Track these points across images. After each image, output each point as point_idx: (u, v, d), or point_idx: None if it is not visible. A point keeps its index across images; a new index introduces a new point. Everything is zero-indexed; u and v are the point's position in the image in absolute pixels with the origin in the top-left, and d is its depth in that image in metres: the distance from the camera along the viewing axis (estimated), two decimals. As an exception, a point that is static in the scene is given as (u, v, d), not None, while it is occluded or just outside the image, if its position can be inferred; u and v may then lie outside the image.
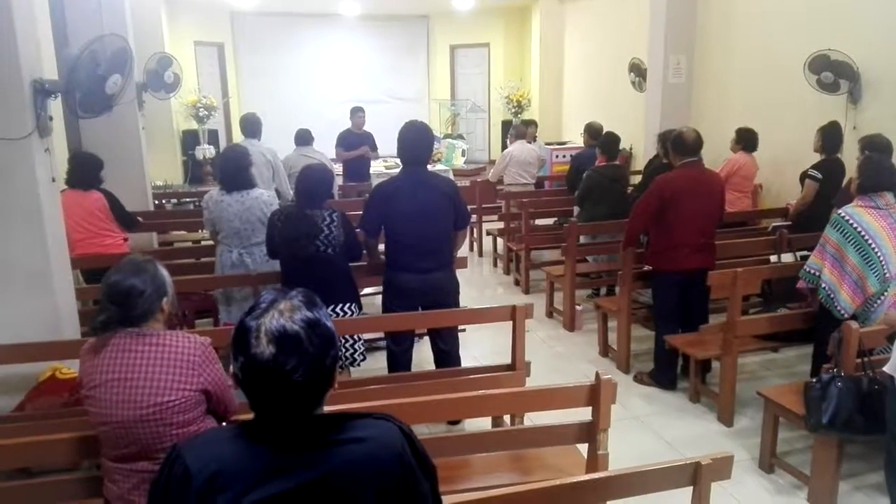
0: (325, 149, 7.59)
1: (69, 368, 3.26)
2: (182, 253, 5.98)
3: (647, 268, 4.61)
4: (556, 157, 9.43)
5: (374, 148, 8.00)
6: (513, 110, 12.41)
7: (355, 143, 7.85)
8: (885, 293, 3.29)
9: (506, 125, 11.51)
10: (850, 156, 4.87)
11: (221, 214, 4.17)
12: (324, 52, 12.60)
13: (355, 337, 3.80)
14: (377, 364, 4.37)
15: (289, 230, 3.58)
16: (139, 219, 5.24)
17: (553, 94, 11.88)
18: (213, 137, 11.28)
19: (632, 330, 4.72)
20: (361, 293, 5.19)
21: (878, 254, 3.25)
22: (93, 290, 4.10)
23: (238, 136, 7.75)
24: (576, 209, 6.21)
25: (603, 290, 6.13)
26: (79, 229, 4.58)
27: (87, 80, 3.49)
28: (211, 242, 4.71)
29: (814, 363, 3.79)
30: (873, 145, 4.26)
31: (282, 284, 3.79)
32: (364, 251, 3.99)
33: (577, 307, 5.53)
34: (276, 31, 12.25)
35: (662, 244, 4.26)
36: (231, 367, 1.24)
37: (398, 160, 3.87)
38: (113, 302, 2.02)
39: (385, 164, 8.92)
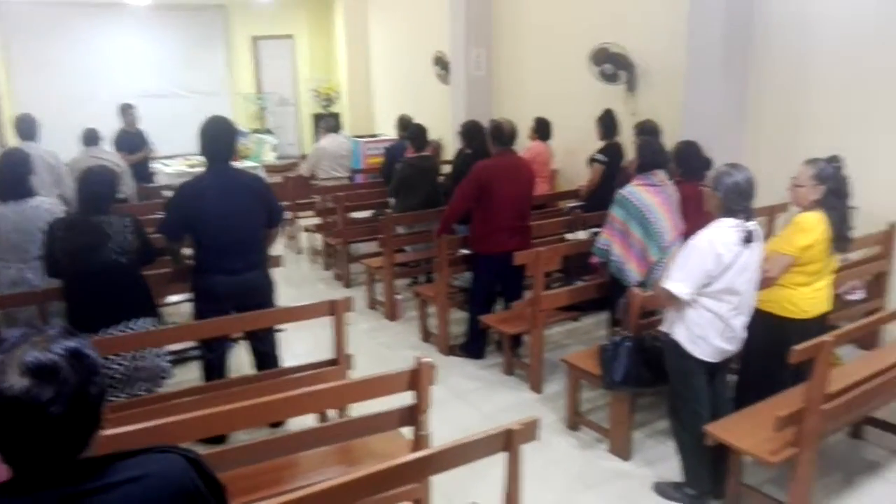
0: (118, 148, 7.00)
1: None
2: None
3: (463, 252, 4.83)
4: (370, 150, 9.48)
5: (147, 146, 7.60)
6: (323, 103, 12.27)
7: (135, 143, 7.33)
8: (663, 260, 3.74)
9: (317, 119, 11.35)
10: (629, 140, 5.43)
11: (-6, 227, 3.69)
12: (111, 45, 11.51)
13: (158, 353, 3.56)
14: (190, 375, 4.14)
15: (72, 241, 3.26)
16: None
17: (362, 87, 11.91)
18: (-19, 142, 9.88)
19: (450, 313, 4.92)
20: (170, 300, 4.90)
21: (657, 226, 3.68)
22: None
23: (13, 140, 6.90)
24: (391, 200, 6.30)
25: (422, 278, 6.30)
26: None
27: None
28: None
29: (609, 328, 4.22)
30: (644, 129, 4.81)
31: (67, 304, 3.46)
32: (166, 257, 3.76)
33: (398, 296, 5.63)
34: (53, 23, 10.96)
35: (483, 229, 4.51)
36: None
37: (202, 158, 3.68)
38: None
39: (187, 163, 8.41)
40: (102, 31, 11.48)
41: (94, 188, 3.40)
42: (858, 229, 3.41)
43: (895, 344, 3.54)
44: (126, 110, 7.45)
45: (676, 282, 2.84)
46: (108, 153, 6.32)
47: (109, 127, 7.17)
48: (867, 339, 4.37)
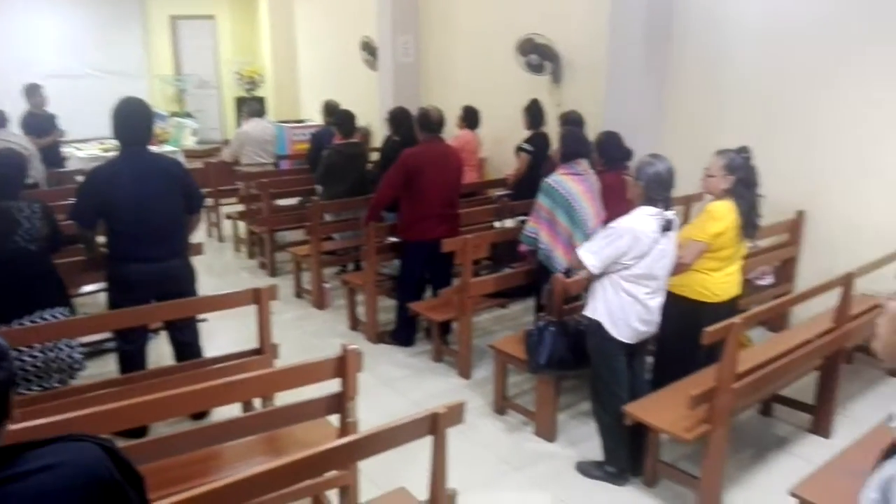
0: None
1: None
2: None
3: (392, 239, 4.82)
4: (296, 135, 9.29)
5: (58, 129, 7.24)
6: (246, 87, 11.92)
7: (44, 126, 6.95)
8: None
9: (240, 102, 11.03)
10: (554, 130, 5.54)
11: None
12: (18, 24, 10.80)
13: (71, 344, 3.40)
14: (106, 368, 3.98)
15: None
16: None
17: (287, 71, 11.63)
18: None
19: (379, 301, 4.90)
20: (84, 290, 4.68)
21: (582, 214, 3.77)
22: None
23: None
24: (318, 188, 6.21)
25: (350, 266, 6.25)
26: None
27: None
28: None
29: (536, 314, 4.30)
30: (568, 120, 4.91)
31: None
32: (79, 245, 3.58)
33: (326, 285, 5.57)
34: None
35: (411, 216, 4.50)
36: None
37: (116, 142, 3.52)
38: None
39: (101, 147, 8.03)
40: (7, 7, 10.76)
41: (2, 171, 3.23)
42: (767, 218, 3.61)
43: (801, 326, 3.76)
44: (33, 91, 7.03)
45: (589, 252, 2.99)
46: (15, 136, 5.97)
47: (15, 109, 6.76)
48: (776, 322, 4.65)
